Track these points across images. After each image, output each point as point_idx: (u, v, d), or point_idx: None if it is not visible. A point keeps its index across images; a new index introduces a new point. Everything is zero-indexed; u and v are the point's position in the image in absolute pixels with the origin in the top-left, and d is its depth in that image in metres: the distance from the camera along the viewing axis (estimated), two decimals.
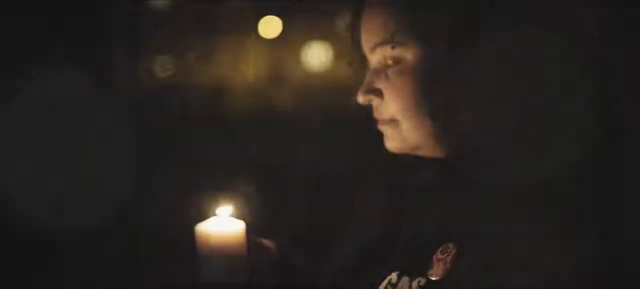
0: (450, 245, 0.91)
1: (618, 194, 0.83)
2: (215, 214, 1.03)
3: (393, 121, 0.97)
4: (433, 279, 0.92)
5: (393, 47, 0.94)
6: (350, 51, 1.01)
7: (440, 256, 0.91)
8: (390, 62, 0.95)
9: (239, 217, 1.03)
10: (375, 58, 0.98)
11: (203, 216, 1.02)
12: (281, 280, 1.07)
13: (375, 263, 1.01)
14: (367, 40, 0.98)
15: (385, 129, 0.98)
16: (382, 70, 0.97)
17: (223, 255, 1.00)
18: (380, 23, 0.96)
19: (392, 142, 0.98)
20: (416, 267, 0.94)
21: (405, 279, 0.95)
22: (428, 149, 0.96)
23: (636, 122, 0.88)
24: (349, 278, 1.04)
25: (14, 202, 3.66)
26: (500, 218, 0.87)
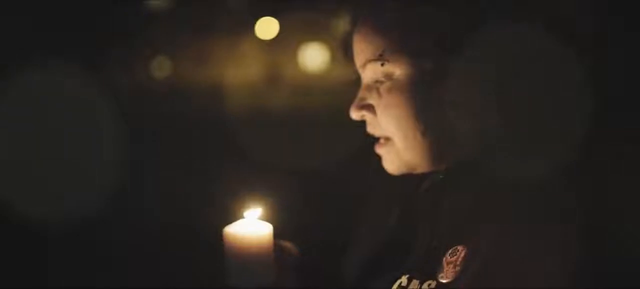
0: (459, 247, 0.92)
1: (617, 193, 0.84)
2: (242, 217, 1.00)
3: (387, 140, 0.96)
4: (443, 281, 0.89)
5: (382, 64, 0.93)
6: (342, 67, 1.02)
7: (449, 259, 0.91)
8: (381, 78, 0.94)
9: (265, 219, 1.00)
10: (366, 74, 0.97)
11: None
12: (303, 283, 1.07)
13: (385, 267, 1.00)
14: (358, 57, 0.97)
15: (381, 152, 0.98)
16: (373, 87, 0.96)
17: (251, 258, 0.96)
18: (370, 41, 0.95)
19: (390, 165, 0.97)
20: (426, 270, 0.92)
21: (415, 282, 0.94)
22: (425, 167, 0.95)
23: (635, 121, 0.89)
24: (359, 281, 1.03)
25: (12, 201, 3.66)
26: (501, 218, 0.88)
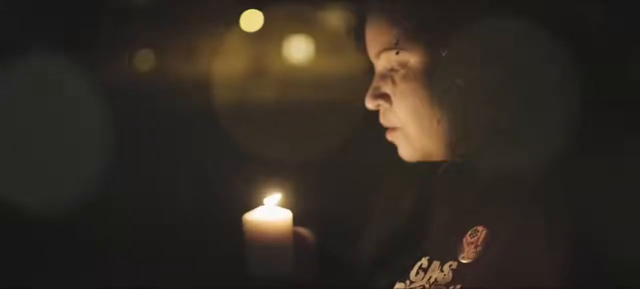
0: (480, 228, 0.91)
1: (615, 194, 0.85)
2: (262, 204, 1.01)
3: (400, 130, 0.97)
4: (464, 261, 0.91)
5: (397, 53, 0.94)
6: (354, 56, 1.02)
7: (470, 239, 0.91)
8: (396, 66, 0.95)
9: (284, 206, 1.02)
10: (381, 63, 0.98)
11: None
12: (320, 270, 1.08)
13: (406, 249, 1.01)
14: (371, 46, 0.98)
15: (394, 138, 0.99)
16: (388, 75, 0.97)
17: (270, 243, 0.98)
18: (383, 30, 0.96)
19: (405, 152, 0.98)
20: (447, 251, 0.93)
21: (436, 263, 0.95)
22: (441, 154, 0.96)
23: (635, 121, 0.90)
24: (380, 264, 1.04)
25: (10, 201, 3.64)
26: (500, 218, 0.89)
